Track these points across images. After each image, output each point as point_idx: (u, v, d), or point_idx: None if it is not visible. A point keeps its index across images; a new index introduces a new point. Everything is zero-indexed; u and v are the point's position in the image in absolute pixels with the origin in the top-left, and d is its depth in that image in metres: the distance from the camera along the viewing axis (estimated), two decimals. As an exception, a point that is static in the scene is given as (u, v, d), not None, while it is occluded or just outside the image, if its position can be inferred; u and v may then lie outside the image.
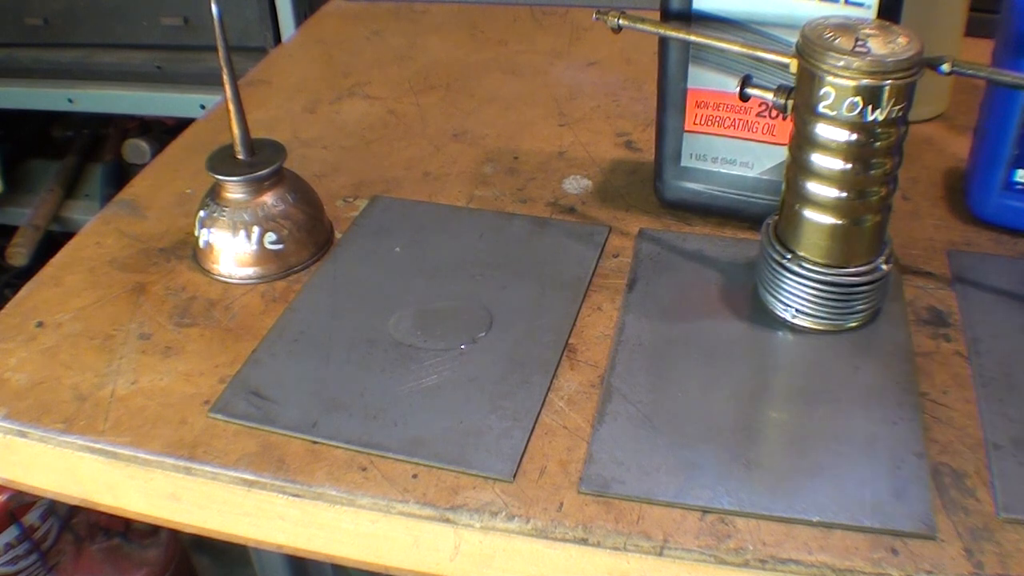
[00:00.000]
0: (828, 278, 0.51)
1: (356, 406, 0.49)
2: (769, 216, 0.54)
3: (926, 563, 0.40)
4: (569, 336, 0.53)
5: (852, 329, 0.52)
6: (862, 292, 0.51)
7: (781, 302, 0.53)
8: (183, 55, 1.12)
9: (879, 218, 0.50)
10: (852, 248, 0.51)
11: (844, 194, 0.49)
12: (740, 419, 0.47)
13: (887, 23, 0.46)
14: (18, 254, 1.22)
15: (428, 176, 0.69)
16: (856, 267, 0.51)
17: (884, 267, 0.51)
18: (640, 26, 0.54)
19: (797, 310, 0.52)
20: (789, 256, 0.51)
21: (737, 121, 0.58)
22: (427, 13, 0.98)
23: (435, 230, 0.63)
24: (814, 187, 0.49)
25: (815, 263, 0.51)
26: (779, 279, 0.52)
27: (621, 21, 0.55)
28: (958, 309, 0.54)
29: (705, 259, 0.59)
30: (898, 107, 0.46)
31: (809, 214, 0.50)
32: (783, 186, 0.52)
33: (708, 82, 0.58)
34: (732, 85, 0.51)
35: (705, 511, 0.43)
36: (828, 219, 0.50)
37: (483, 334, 0.53)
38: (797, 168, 0.50)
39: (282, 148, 0.60)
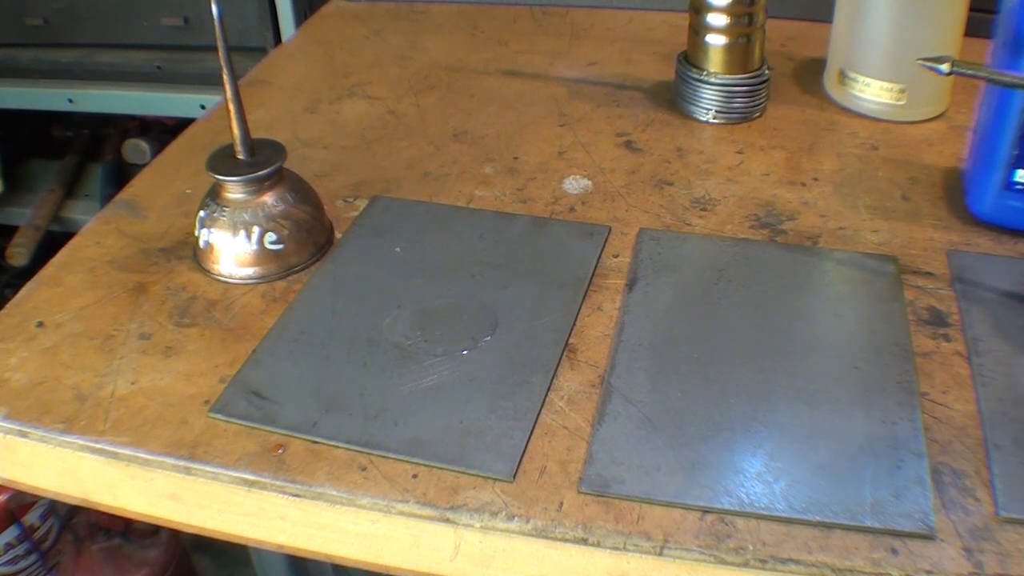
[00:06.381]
0: (733, 83, 0.72)
1: (356, 406, 0.49)
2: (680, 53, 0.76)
3: (926, 563, 0.40)
4: (569, 336, 0.53)
5: (756, 119, 0.74)
6: (758, 90, 0.73)
7: (702, 108, 0.74)
8: (183, 55, 1.12)
9: (760, 35, 0.72)
10: (745, 59, 0.72)
11: (732, 20, 0.70)
12: (740, 419, 0.47)
13: None
14: (18, 254, 1.21)
15: (428, 176, 0.69)
16: (750, 73, 0.73)
17: (767, 71, 0.74)
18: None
19: (716, 111, 0.73)
20: (704, 73, 0.73)
21: None
22: (427, 13, 0.98)
23: (435, 230, 0.63)
24: (712, 18, 0.71)
25: (722, 74, 0.72)
26: (698, 92, 0.74)
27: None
28: (958, 309, 0.54)
29: (705, 259, 0.59)
30: None
31: (711, 39, 0.72)
32: (689, 26, 0.74)
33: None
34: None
35: (705, 511, 0.43)
36: (724, 40, 0.71)
37: (488, 337, 0.53)
38: (699, 6, 0.72)
39: (282, 148, 0.60)
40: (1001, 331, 0.52)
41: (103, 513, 0.55)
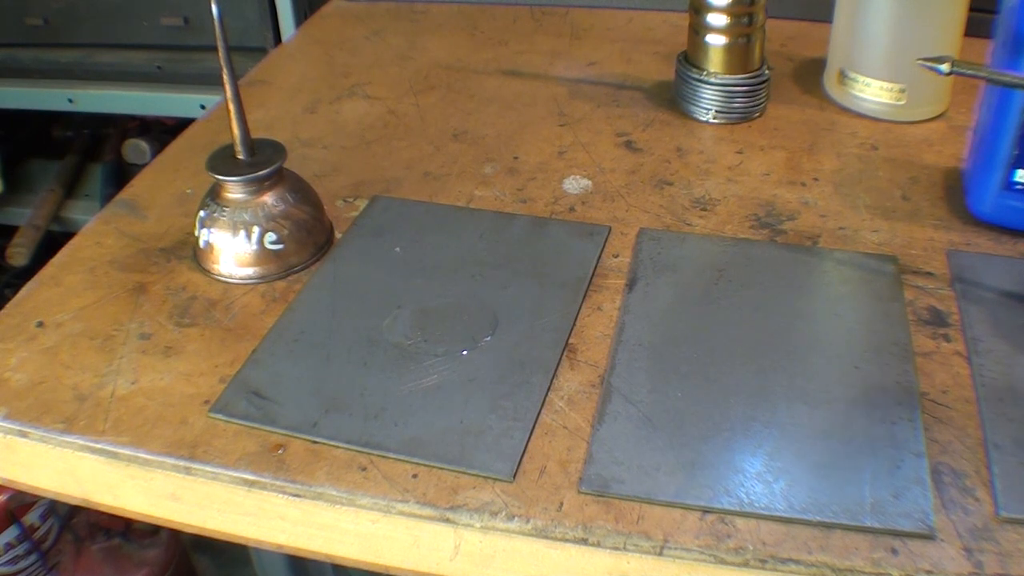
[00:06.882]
0: (733, 83, 0.72)
1: (356, 406, 0.49)
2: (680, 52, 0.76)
3: (926, 563, 0.40)
4: (569, 336, 0.53)
5: (756, 119, 0.74)
6: (758, 90, 0.73)
7: (702, 108, 0.74)
8: (183, 55, 1.12)
9: (760, 35, 0.72)
10: (745, 59, 0.72)
11: (732, 20, 0.70)
12: (740, 419, 0.47)
13: None
14: (18, 254, 1.21)
15: (428, 176, 0.69)
16: (750, 73, 0.73)
17: (767, 71, 0.74)
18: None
19: (716, 111, 0.73)
20: (704, 73, 0.72)
21: None
22: (427, 13, 0.98)
23: (435, 230, 0.63)
24: (712, 18, 0.71)
25: (722, 74, 0.72)
26: (698, 92, 0.73)
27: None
28: (958, 309, 0.54)
29: (705, 259, 0.59)
30: None
31: (711, 39, 0.71)
32: (689, 26, 0.74)
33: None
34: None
35: (705, 511, 0.43)
36: (724, 40, 0.71)
37: (488, 337, 0.53)
38: (699, 6, 0.72)
39: (282, 148, 0.60)
40: (1001, 331, 0.52)
41: (103, 513, 0.55)
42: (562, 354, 0.52)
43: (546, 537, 0.43)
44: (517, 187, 0.68)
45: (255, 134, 0.59)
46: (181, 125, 0.85)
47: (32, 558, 1.05)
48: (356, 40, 0.93)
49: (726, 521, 0.42)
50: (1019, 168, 0.58)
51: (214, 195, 0.59)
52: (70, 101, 1.16)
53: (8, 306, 0.57)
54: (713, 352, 0.52)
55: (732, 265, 0.58)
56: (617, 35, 0.91)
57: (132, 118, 1.33)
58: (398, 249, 0.61)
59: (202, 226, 0.59)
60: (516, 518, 0.43)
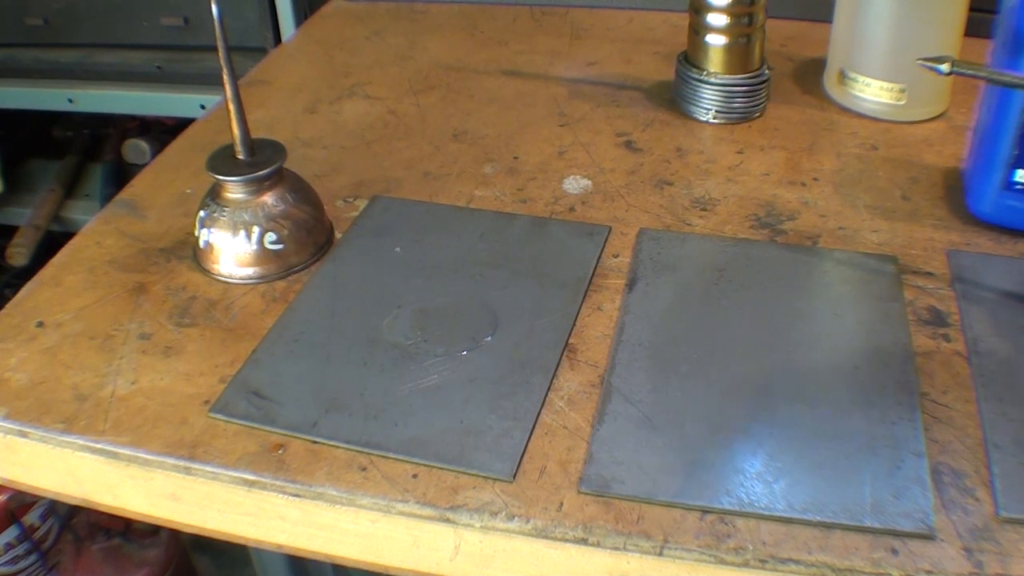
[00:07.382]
0: (733, 83, 0.72)
1: (356, 406, 0.49)
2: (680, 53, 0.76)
3: (926, 563, 0.40)
4: (569, 336, 0.53)
5: (756, 119, 0.74)
6: (758, 90, 0.73)
7: (702, 108, 0.74)
8: (183, 55, 1.12)
9: (760, 35, 0.72)
10: (745, 59, 0.72)
11: (732, 20, 0.70)
12: (740, 419, 0.47)
13: None
14: (18, 254, 1.21)
15: (428, 176, 0.69)
16: (750, 73, 0.73)
17: (767, 71, 0.74)
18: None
19: (716, 111, 0.73)
20: (704, 73, 0.72)
21: None
22: (427, 13, 0.98)
23: (435, 230, 0.63)
24: (712, 18, 0.71)
25: (722, 74, 0.72)
26: (698, 92, 0.73)
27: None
28: (958, 309, 0.54)
29: (705, 259, 0.59)
30: None
31: (711, 39, 0.71)
32: (689, 26, 0.74)
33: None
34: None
35: (705, 511, 0.43)
36: (724, 40, 0.71)
37: (488, 337, 0.53)
38: (699, 6, 0.72)
39: (282, 148, 0.60)
40: (1001, 331, 0.52)
41: (103, 513, 0.55)
42: (562, 354, 0.52)
43: (546, 537, 0.43)
44: (517, 187, 0.68)
45: (255, 134, 0.59)
46: (181, 125, 0.85)
47: (32, 558, 1.05)
48: (356, 40, 0.93)
49: (726, 521, 0.42)
50: (1019, 168, 0.58)
51: (214, 195, 0.59)
52: (70, 101, 1.16)
53: (8, 306, 0.57)
54: (713, 352, 0.52)
55: (732, 265, 0.58)
56: (617, 35, 0.91)
57: (132, 118, 1.33)
58: (398, 249, 0.61)
59: (202, 226, 0.59)
60: (516, 518, 0.43)
